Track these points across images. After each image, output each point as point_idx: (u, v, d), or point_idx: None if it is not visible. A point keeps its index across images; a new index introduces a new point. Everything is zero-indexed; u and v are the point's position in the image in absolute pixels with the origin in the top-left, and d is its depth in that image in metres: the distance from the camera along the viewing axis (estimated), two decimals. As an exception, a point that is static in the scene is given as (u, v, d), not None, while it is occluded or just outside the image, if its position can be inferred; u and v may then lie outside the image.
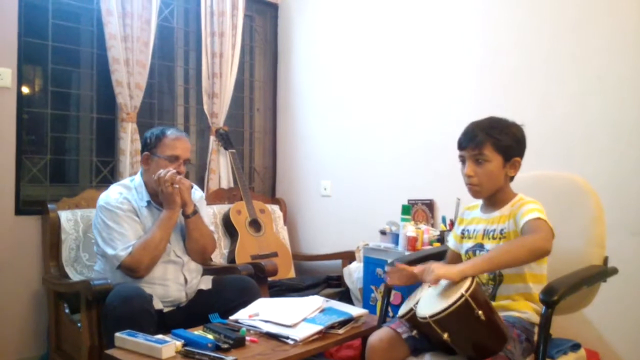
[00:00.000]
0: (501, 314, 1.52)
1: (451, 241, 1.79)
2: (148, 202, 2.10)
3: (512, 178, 1.61)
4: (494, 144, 1.53)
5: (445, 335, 1.34)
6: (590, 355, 1.99)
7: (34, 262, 2.54)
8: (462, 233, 1.72)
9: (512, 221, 1.54)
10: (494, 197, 1.61)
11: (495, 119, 1.60)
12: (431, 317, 1.34)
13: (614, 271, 1.67)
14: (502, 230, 1.57)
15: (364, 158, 3.14)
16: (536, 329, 1.50)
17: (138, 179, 2.15)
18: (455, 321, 1.33)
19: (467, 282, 1.34)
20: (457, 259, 1.73)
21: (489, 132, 1.54)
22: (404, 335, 1.54)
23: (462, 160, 1.60)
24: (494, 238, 1.59)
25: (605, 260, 1.67)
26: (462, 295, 1.30)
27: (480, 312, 1.30)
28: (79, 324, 2.02)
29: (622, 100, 2.13)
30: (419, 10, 2.86)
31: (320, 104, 3.42)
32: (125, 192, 2.09)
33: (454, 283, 1.38)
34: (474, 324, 1.31)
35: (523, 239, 1.43)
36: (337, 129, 3.30)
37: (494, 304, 1.55)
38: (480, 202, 1.70)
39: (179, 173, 2.06)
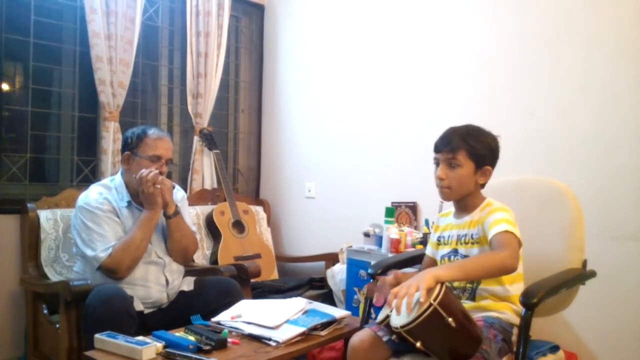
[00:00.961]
0: (481, 314, 1.54)
1: (428, 248, 1.82)
2: (129, 202, 2.08)
3: (482, 185, 1.65)
4: (468, 150, 1.58)
5: (419, 344, 1.35)
6: (569, 357, 2.02)
7: (12, 261, 2.49)
8: (438, 240, 1.75)
9: (481, 227, 1.57)
10: (463, 201, 1.66)
11: (472, 126, 1.64)
12: (402, 327, 1.35)
13: (593, 274, 1.70)
14: (473, 235, 1.60)
15: (349, 160, 3.15)
16: (515, 330, 1.52)
17: (118, 178, 2.12)
18: (426, 330, 1.33)
19: (436, 290, 1.33)
20: (432, 265, 1.75)
21: (465, 138, 1.59)
22: (384, 338, 1.55)
23: (437, 162, 1.65)
24: (466, 243, 1.62)
25: (584, 263, 1.70)
26: (431, 305, 1.30)
27: (450, 319, 1.30)
28: (57, 325, 1.99)
29: (604, 110, 2.17)
30: (406, 15, 2.87)
31: (305, 106, 3.43)
32: (105, 192, 2.06)
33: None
34: (446, 331, 1.32)
35: (492, 256, 1.45)
36: (322, 131, 3.30)
37: (473, 304, 1.57)
38: (453, 209, 1.73)
39: (160, 173, 2.04)
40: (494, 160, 1.63)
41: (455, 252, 1.65)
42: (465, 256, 1.61)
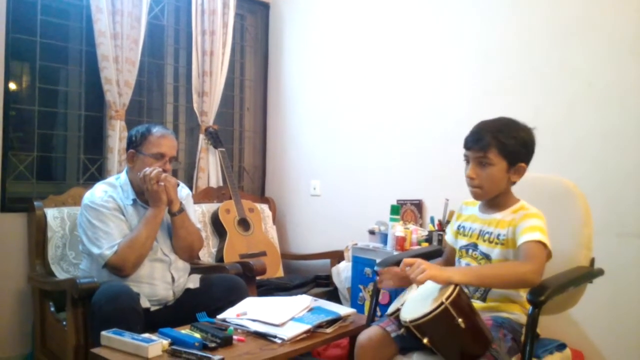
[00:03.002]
0: (490, 314, 1.53)
1: (449, 236, 1.78)
2: (134, 200, 2.08)
3: (514, 183, 1.59)
4: (499, 148, 1.49)
5: (425, 340, 1.35)
6: (575, 355, 2.01)
7: (20, 259, 2.51)
8: (458, 229, 1.70)
9: (512, 230, 1.51)
10: (494, 199, 1.59)
11: (504, 120, 1.55)
12: (411, 321, 1.35)
13: (600, 272, 1.69)
14: (499, 235, 1.54)
15: (354, 158, 3.14)
16: (524, 330, 1.51)
17: (123, 177, 2.13)
18: (435, 327, 1.34)
19: (449, 290, 1.33)
20: (453, 253, 1.73)
21: (496, 135, 1.50)
22: (393, 334, 1.54)
23: (467, 159, 1.57)
24: (490, 241, 1.57)
25: (592, 261, 1.69)
26: (442, 303, 1.30)
27: (460, 319, 1.30)
28: (64, 323, 2.00)
29: (611, 107, 2.16)
30: (412, 13, 2.86)
31: (310, 104, 3.43)
32: (110, 191, 2.07)
33: (441, 287, 1.39)
34: (454, 331, 1.32)
35: (514, 268, 1.42)
36: (327, 129, 3.30)
37: (483, 304, 1.56)
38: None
39: (164, 171, 2.04)
40: (529, 156, 1.55)
41: (475, 246, 1.61)
42: (485, 254, 1.57)
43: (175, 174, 2.09)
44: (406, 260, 1.45)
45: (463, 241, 1.67)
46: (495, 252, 1.55)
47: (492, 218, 1.59)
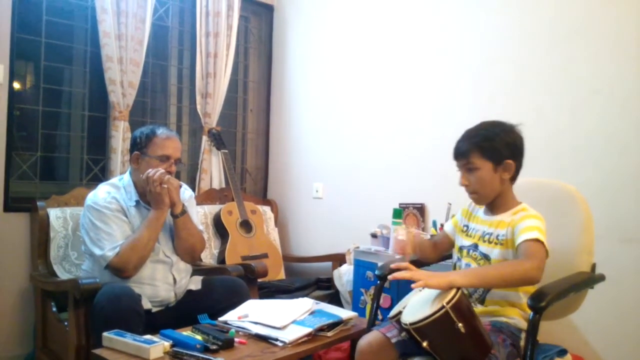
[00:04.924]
0: (489, 319, 1.53)
1: (449, 226, 1.81)
2: (137, 201, 2.09)
3: (512, 180, 1.62)
4: (479, 151, 1.56)
5: (425, 344, 1.35)
6: (577, 361, 2.00)
7: (22, 259, 2.52)
8: (465, 228, 1.72)
9: (511, 230, 1.54)
10: (495, 201, 1.63)
11: (484, 124, 1.62)
12: (412, 324, 1.35)
13: (602, 278, 1.69)
14: (499, 235, 1.57)
15: (356, 161, 3.15)
16: (523, 335, 1.51)
17: (127, 178, 2.13)
18: (435, 331, 1.34)
19: (451, 294, 1.34)
20: (445, 242, 1.79)
21: (474, 140, 1.57)
22: (393, 340, 1.54)
23: (459, 169, 1.64)
24: (489, 242, 1.59)
25: (593, 267, 1.69)
26: (443, 307, 1.31)
27: (460, 324, 1.30)
28: (66, 323, 2.01)
29: (613, 111, 2.16)
30: (415, 15, 2.87)
31: (313, 107, 3.43)
32: (113, 192, 2.07)
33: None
34: (454, 335, 1.32)
35: (515, 266, 1.43)
36: (330, 132, 3.30)
37: (482, 308, 1.57)
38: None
39: (169, 173, 2.05)
40: (515, 151, 1.58)
41: (475, 247, 1.63)
42: (485, 254, 1.59)
43: (177, 175, 2.09)
44: (395, 265, 1.52)
45: (466, 241, 1.68)
46: (494, 252, 1.57)
47: (494, 220, 1.62)
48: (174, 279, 2.10)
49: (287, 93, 3.61)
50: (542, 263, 1.42)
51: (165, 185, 2.00)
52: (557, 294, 1.43)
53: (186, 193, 2.24)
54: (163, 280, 2.07)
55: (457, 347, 1.36)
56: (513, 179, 1.62)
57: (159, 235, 2.06)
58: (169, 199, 2.03)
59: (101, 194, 2.04)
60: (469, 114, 2.54)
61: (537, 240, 1.45)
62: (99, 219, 1.99)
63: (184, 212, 2.11)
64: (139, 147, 2.08)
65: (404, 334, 1.52)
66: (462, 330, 1.30)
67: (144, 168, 2.04)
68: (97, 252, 1.95)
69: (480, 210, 1.71)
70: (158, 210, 2.02)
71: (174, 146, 2.10)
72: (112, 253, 1.93)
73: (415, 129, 2.84)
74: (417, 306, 1.44)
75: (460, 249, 1.69)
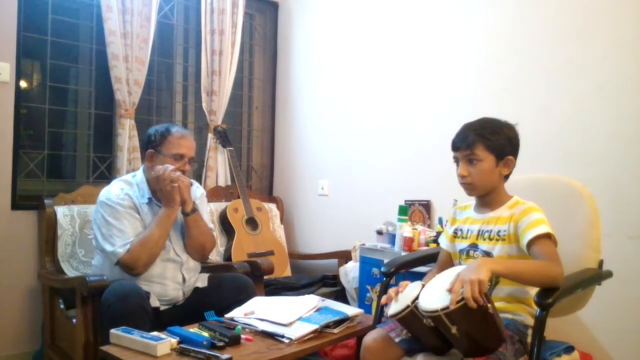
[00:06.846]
0: (495, 315, 1.53)
1: (443, 241, 1.79)
2: (149, 199, 2.09)
3: (507, 177, 1.63)
4: (485, 143, 1.56)
5: (454, 329, 1.33)
6: (584, 358, 2.00)
7: (30, 257, 2.54)
8: (455, 232, 1.72)
9: (513, 225, 1.54)
10: (488, 197, 1.63)
11: (486, 119, 1.62)
12: (442, 309, 1.32)
13: (609, 274, 1.68)
14: (500, 231, 1.57)
15: (362, 158, 3.14)
16: (530, 331, 1.51)
17: (140, 175, 2.14)
18: (467, 314, 1.31)
19: None
20: (448, 258, 1.75)
21: (480, 132, 1.57)
22: (397, 339, 1.54)
23: (456, 161, 1.63)
24: (490, 239, 1.59)
25: (601, 263, 1.68)
26: None
27: (489, 304, 1.30)
28: (74, 320, 2.02)
29: (620, 107, 2.14)
30: (420, 12, 2.86)
31: (319, 103, 3.43)
32: (126, 188, 2.08)
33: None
34: (482, 319, 1.31)
35: (549, 269, 1.41)
36: (336, 129, 3.30)
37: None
38: (472, 202, 1.71)
39: (183, 172, 2.05)
40: (515, 149, 1.60)
41: (474, 246, 1.63)
42: (487, 252, 1.58)
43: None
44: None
45: (462, 244, 1.68)
46: (496, 248, 1.57)
47: (489, 216, 1.62)
48: (183, 278, 2.10)
49: (292, 90, 3.61)
50: (561, 266, 1.43)
51: (176, 184, 2.00)
52: (564, 291, 1.42)
53: (198, 191, 2.24)
54: (172, 279, 2.07)
55: (480, 333, 1.35)
56: (507, 176, 1.63)
57: (170, 233, 2.07)
58: (179, 197, 2.03)
59: (114, 190, 2.05)
60: (474, 111, 2.50)
61: (548, 237, 1.46)
62: (112, 215, 1.99)
63: (194, 210, 2.11)
64: (153, 144, 2.08)
65: (404, 331, 1.52)
66: (491, 311, 1.30)
67: (158, 166, 2.05)
68: (108, 248, 1.96)
69: (468, 210, 1.71)
70: (168, 208, 2.02)
71: (189, 145, 2.10)
72: (123, 250, 1.94)
73: (421, 125, 2.84)
74: (436, 293, 1.40)
75: (460, 252, 1.69)
